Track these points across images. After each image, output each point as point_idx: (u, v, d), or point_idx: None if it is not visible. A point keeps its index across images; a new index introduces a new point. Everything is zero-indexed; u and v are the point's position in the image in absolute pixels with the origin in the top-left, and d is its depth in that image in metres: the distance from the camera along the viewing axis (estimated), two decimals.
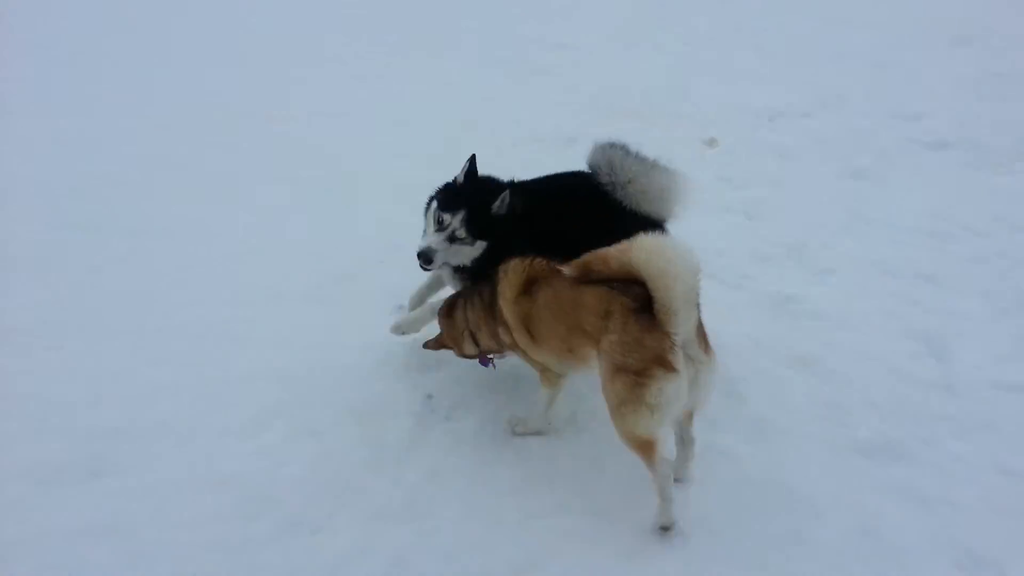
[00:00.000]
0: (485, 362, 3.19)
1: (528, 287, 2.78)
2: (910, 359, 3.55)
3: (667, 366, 2.40)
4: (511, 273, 2.84)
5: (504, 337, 2.91)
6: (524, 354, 2.92)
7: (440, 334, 3.20)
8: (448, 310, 3.12)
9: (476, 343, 3.05)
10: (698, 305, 2.47)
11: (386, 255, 4.23)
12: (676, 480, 2.72)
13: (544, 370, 2.94)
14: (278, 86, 7.29)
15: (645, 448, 2.53)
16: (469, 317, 3.01)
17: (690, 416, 2.74)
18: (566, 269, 2.64)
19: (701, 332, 2.54)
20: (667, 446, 2.74)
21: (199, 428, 3.05)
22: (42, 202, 4.80)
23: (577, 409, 3.18)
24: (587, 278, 2.58)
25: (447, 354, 3.29)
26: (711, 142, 6.19)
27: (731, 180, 5.49)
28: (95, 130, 5.92)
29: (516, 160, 5.61)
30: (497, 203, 3.02)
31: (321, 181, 5.32)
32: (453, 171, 3.24)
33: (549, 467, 2.94)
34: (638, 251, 2.42)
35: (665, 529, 2.61)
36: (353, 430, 3.08)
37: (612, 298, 2.50)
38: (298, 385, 3.30)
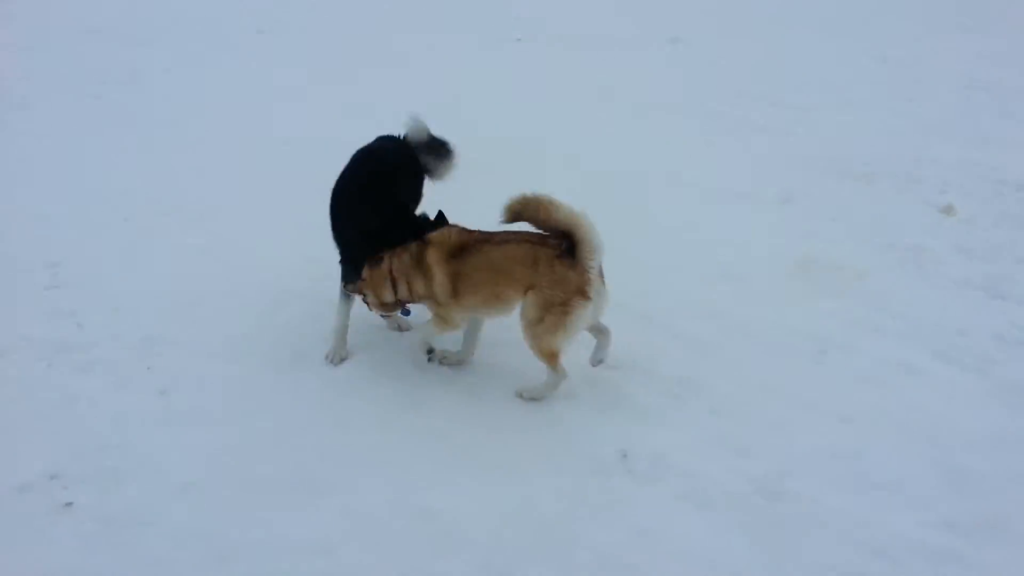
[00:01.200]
0: (405, 312, 3.75)
1: (457, 252, 3.36)
2: None
3: (586, 294, 3.23)
4: (440, 241, 3.40)
5: (421, 290, 3.44)
6: (436, 304, 3.46)
7: (362, 280, 3.54)
8: (375, 261, 3.50)
9: (394, 291, 3.49)
10: None
11: None
12: (599, 362, 3.57)
13: (442, 319, 3.50)
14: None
15: (554, 358, 3.37)
16: (394, 267, 3.45)
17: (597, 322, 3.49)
18: (502, 215, 3.34)
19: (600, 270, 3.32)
20: None
21: (410, 463, 3.16)
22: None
23: None
24: (518, 219, 3.33)
25: None
26: (948, 209, 5.65)
27: (971, 252, 4.97)
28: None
29: (725, 217, 5.53)
30: None
31: None
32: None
33: None
34: (573, 212, 3.22)
35: (529, 399, 3.46)
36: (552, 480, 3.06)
37: (536, 251, 3.27)
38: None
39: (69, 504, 2.86)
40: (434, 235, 3.47)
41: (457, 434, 3.27)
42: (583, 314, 3.26)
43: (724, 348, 3.91)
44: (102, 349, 3.88)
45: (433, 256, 3.38)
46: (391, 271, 3.46)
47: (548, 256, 3.24)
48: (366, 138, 4.08)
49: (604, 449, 3.18)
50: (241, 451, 3.16)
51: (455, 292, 3.38)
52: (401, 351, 3.89)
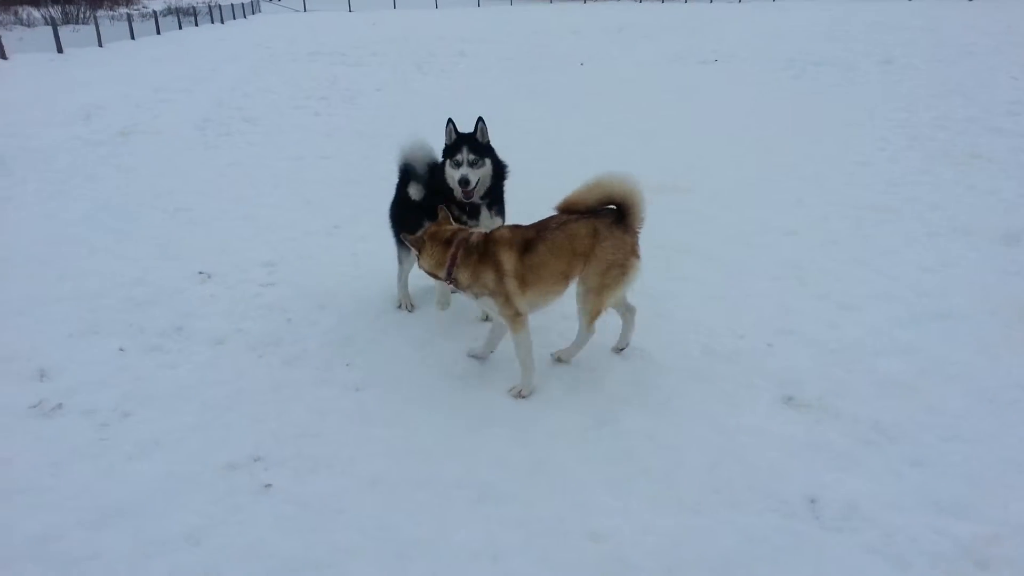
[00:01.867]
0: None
1: (525, 246, 3.57)
2: None
3: (638, 255, 3.68)
4: (507, 239, 3.59)
5: (490, 283, 3.56)
6: (503, 299, 3.57)
7: (422, 241, 3.66)
8: (445, 239, 3.63)
9: (449, 274, 3.62)
10: None
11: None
12: (625, 346, 4.05)
13: (515, 316, 3.60)
14: None
15: (597, 316, 3.76)
16: (459, 256, 3.59)
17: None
18: (557, 210, 3.70)
19: None
20: None
21: (586, 482, 3.15)
22: None
23: None
24: (570, 211, 3.66)
25: None
26: None
27: None
28: None
29: (940, 252, 5.12)
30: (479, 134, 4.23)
31: None
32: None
33: None
34: (614, 181, 3.60)
35: (564, 360, 3.96)
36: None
37: (594, 222, 3.62)
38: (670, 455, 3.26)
39: (269, 485, 3.10)
40: (496, 232, 3.68)
41: (638, 458, 3.21)
42: (636, 273, 3.67)
43: (924, 392, 3.58)
44: (308, 344, 4.22)
45: (504, 253, 3.56)
46: (456, 255, 3.60)
47: (606, 223, 3.61)
48: None
49: (791, 490, 2.99)
50: (425, 451, 3.29)
51: (524, 284, 3.58)
52: (593, 367, 3.91)
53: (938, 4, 36.06)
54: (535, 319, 3.79)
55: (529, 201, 4.24)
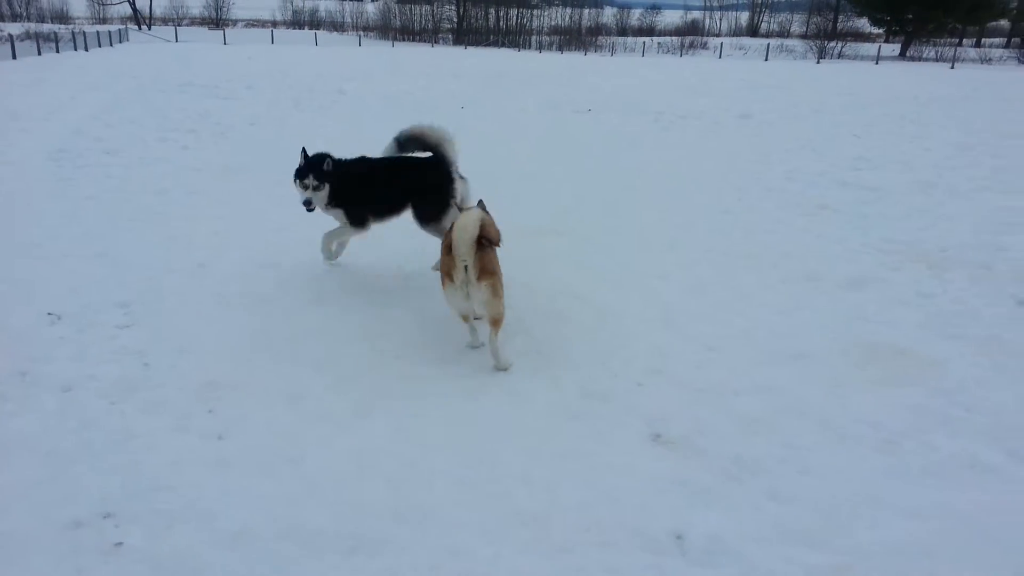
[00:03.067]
0: None
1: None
2: None
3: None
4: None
5: None
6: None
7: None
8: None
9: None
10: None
11: None
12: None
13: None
14: None
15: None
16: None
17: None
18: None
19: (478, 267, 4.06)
20: None
21: (458, 522, 3.10)
22: None
23: None
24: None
25: None
26: None
27: None
28: None
29: (791, 297, 5.47)
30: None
31: None
32: None
33: None
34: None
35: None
36: None
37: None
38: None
39: (119, 544, 2.88)
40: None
41: (513, 500, 3.20)
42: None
43: (783, 429, 3.78)
44: (166, 390, 3.97)
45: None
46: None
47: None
48: None
49: (658, 526, 3.06)
50: (292, 501, 3.15)
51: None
52: (472, 407, 3.88)
53: (791, 65, 39.14)
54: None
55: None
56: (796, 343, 4.76)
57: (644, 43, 56.36)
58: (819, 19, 64.80)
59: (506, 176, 9.48)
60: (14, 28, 45.05)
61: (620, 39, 62.11)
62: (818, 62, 43.59)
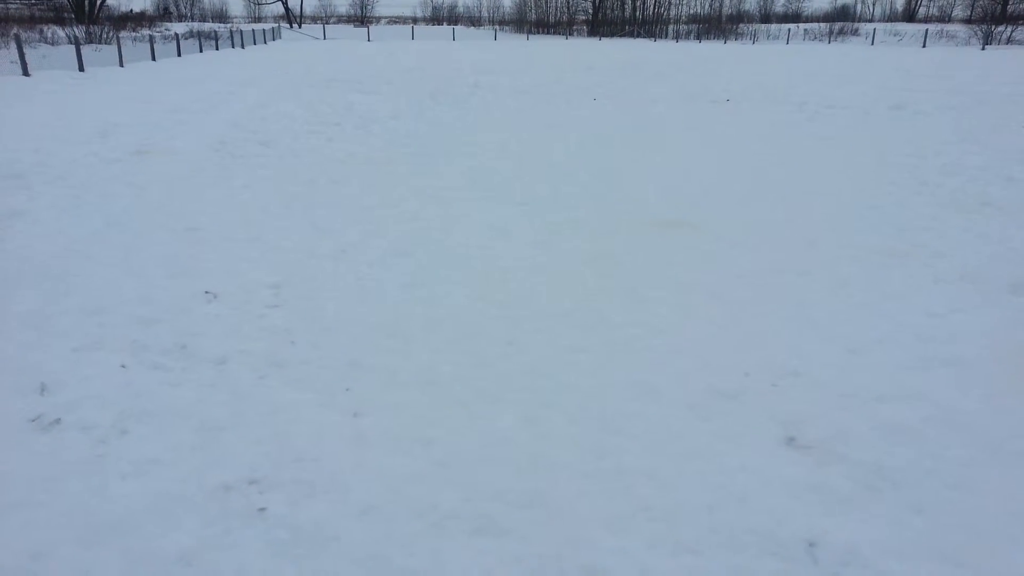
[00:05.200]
0: None
1: None
2: None
3: None
4: None
5: None
6: None
7: None
8: None
9: None
10: None
11: None
12: None
13: None
14: None
15: None
16: None
17: None
18: None
19: None
20: None
21: (583, 513, 3.12)
22: None
23: None
24: None
25: None
26: None
27: None
28: None
29: (950, 299, 5.11)
30: None
31: None
32: None
33: None
34: None
35: None
36: None
37: None
38: None
39: (263, 509, 3.08)
40: None
41: (638, 496, 3.17)
42: None
43: (931, 439, 3.54)
44: (309, 367, 4.21)
45: None
46: None
47: None
48: None
49: (789, 533, 2.95)
50: (422, 480, 3.26)
51: None
52: (596, 399, 3.89)
53: (952, 52, 36.38)
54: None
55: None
56: (949, 348, 4.45)
57: (789, 30, 54.00)
58: (986, 1, 59.72)
59: (633, 168, 9.37)
60: (180, 28, 48.81)
61: (763, 27, 59.81)
62: (983, 48, 40.24)
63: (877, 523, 3.00)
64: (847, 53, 36.11)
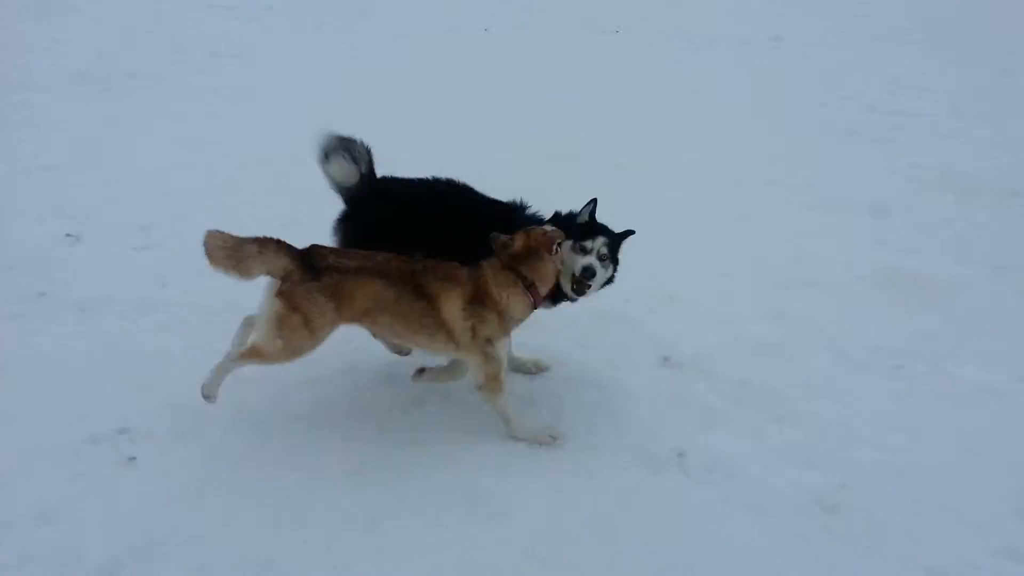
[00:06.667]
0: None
1: None
2: None
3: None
4: None
5: None
6: None
7: None
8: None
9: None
10: None
11: None
12: None
13: None
14: None
15: None
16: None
17: None
18: None
19: None
20: None
21: (473, 446, 3.16)
22: None
23: None
24: None
25: None
26: None
27: None
28: None
29: (812, 223, 5.38)
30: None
31: None
32: None
33: None
34: None
35: None
36: None
37: None
38: None
39: (133, 458, 2.98)
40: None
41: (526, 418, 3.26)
42: None
43: (792, 354, 3.78)
44: (182, 310, 4.04)
45: None
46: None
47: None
48: None
49: (660, 446, 3.11)
50: (299, 420, 3.23)
51: None
52: None
53: None
54: None
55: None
56: (812, 269, 4.71)
57: None
58: None
59: (524, 98, 9.31)
60: None
61: None
62: None
63: (741, 433, 3.21)
64: None
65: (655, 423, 3.27)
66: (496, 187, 3.55)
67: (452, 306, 2.99)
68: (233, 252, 2.96)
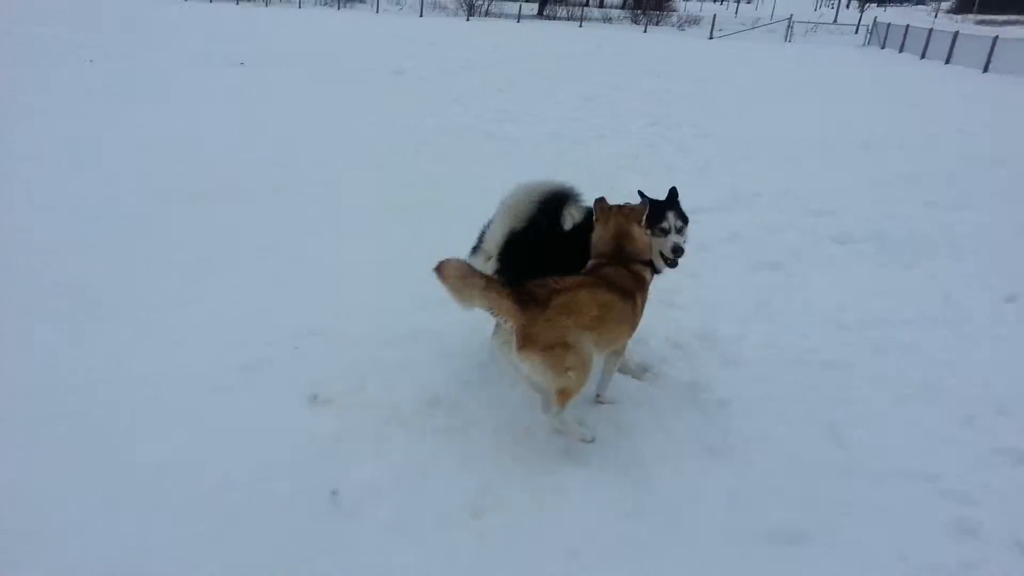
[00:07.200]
0: None
1: None
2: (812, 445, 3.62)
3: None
4: None
5: None
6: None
7: None
8: None
9: None
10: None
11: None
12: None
13: None
14: None
15: None
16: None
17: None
18: None
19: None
20: None
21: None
22: None
23: None
24: None
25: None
26: None
27: None
28: None
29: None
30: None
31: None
32: None
33: None
34: None
35: None
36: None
37: None
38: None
39: None
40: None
41: (162, 483, 3.04)
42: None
43: (431, 370, 4.05)
44: None
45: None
46: None
47: None
48: None
49: (313, 483, 3.14)
50: None
51: None
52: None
53: (444, 22, 40.54)
54: None
55: None
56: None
57: None
58: None
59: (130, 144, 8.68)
60: None
61: None
62: (467, 19, 45.75)
63: (392, 456, 3.35)
64: (355, 18, 37.91)
65: (309, 462, 3.28)
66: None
67: (642, 302, 3.51)
68: (463, 279, 3.05)
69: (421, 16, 45.73)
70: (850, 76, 21.56)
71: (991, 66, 23.54)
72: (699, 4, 69.61)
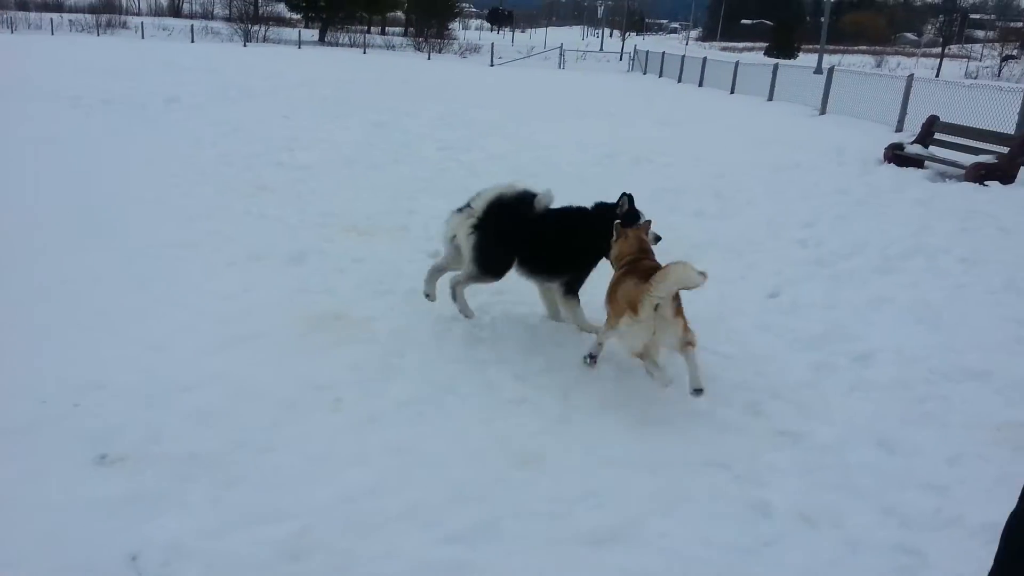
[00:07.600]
0: None
1: None
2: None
3: None
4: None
5: None
6: None
7: None
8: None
9: None
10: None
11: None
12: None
13: None
14: None
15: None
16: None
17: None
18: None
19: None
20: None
21: None
22: None
23: None
24: None
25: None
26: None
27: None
28: None
29: (234, 279, 5.47)
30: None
31: None
32: None
33: None
34: None
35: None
36: None
37: None
38: None
39: None
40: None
41: None
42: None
43: (236, 414, 3.78)
44: None
45: None
46: None
47: None
48: None
49: (109, 553, 2.80)
50: None
51: None
52: None
53: (219, 47, 38.74)
54: None
55: None
56: (245, 325, 4.77)
57: (52, 19, 49.51)
58: (241, 2, 64.91)
59: None
60: None
61: (22, 14, 53.15)
62: (245, 45, 44.06)
63: (195, 510, 3.08)
64: (119, 45, 35.19)
65: (101, 529, 2.92)
66: None
67: None
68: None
69: (193, 42, 43.43)
70: (624, 98, 23.23)
71: (736, 87, 26.38)
72: (478, 32, 72.13)
